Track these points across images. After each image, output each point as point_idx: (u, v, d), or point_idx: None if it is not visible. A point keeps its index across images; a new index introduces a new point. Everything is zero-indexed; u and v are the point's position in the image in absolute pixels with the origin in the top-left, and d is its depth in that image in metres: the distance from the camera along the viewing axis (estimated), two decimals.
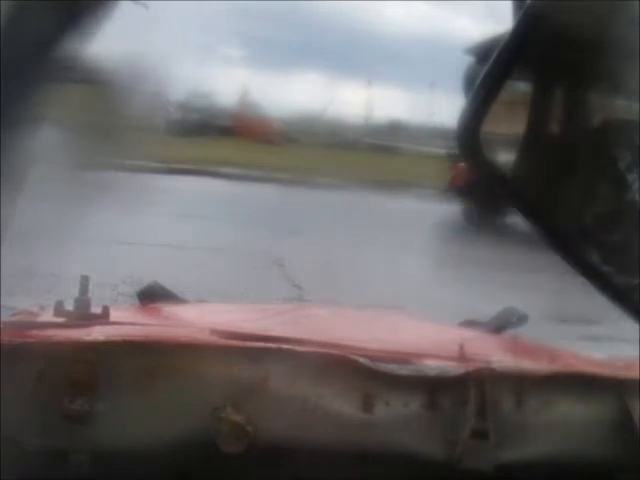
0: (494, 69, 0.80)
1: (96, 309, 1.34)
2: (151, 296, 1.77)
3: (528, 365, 1.28)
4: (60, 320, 1.31)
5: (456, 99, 0.88)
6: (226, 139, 18.90)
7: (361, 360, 1.20)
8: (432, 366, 1.25)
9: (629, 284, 0.83)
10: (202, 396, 1.17)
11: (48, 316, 1.36)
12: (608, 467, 1.24)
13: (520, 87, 0.87)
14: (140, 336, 1.24)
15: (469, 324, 1.80)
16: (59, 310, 1.32)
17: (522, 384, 1.22)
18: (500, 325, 1.75)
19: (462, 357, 1.29)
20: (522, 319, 1.79)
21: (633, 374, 1.24)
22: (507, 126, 0.89)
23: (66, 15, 0.75)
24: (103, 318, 1.33)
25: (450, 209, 12.25)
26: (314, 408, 1.19)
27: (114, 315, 1.34)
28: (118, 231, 7.50)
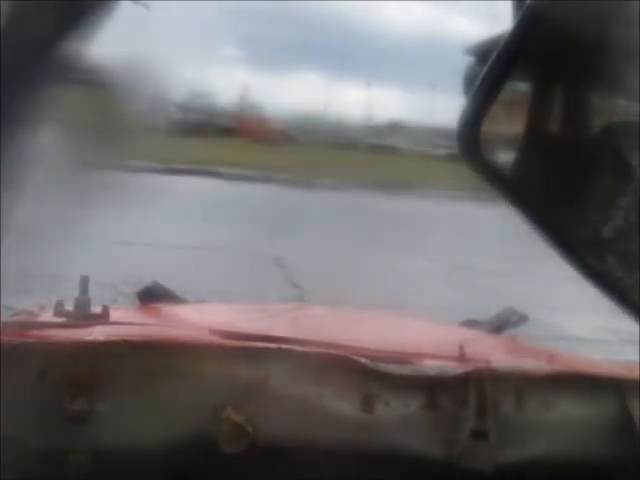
0: (494, 69, 0.80)
1: (96, 309, 1.34)
2: (151, 296, 1.77)
3: (528, 365, 1.28)
4: (60, 320, 1.31)
5: (456, 99, 0.87)
6: (226, 139, 18.90)
7: (361, 360, 1.20)
8: (432, 366, 1.25)
9: (629, 283, 0.82)
10: (202, 396, 1.17)
11: (48, 316, 1.36)
12: (608, 467, 1.24)
13: (520, 87, 0.87)
14: (140, 336, 1.24)
15: (469, 324, 1.80)
16: (59, 310, 1.32)
17: (522, 384, 1.22)
18: (500, 325, 1.76)
19: (462, 357, 1.29)
20: (522, 319, 1.79)
21: (633, 374, 1.24)
22: (507, 126, 0.89)
23: (66, 15, 0.75)
24: (103, 318, 1.33)
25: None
26: (314, 408, 1.19)
27: (114, 315, 1.34)
28: (118, 231, 7.50)
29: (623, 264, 0.83)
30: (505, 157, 0.87)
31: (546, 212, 0.83)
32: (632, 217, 0.82)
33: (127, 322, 1.38)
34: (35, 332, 1.25)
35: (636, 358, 1.30)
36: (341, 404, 1.19)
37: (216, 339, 1.27)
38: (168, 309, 1.66)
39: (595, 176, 0.85)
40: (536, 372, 1.24)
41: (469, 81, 0.88)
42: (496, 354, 1.42)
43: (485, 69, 0.80)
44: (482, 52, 0.89)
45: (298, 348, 1.21)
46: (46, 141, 0.84)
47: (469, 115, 0.82)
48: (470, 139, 0.82)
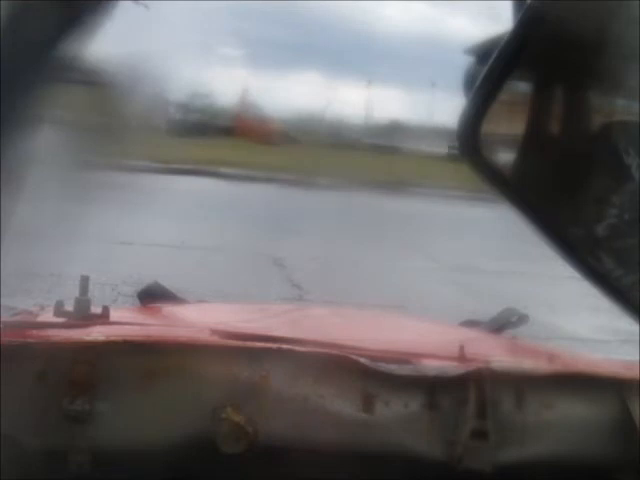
0: (494, 69, 0.80)
1: (96, 309, 1.34)
2: (151, 296, 1.77)
3: (528, 365, 1.28)
4: (60, 320, 1.31)
5: (456, 99, 0.87)
6: (226, 139, 18.89)
7: (361, 360, 1.20)
8: (432, 366, 1.25)
9: (628, 283, 0.83)
10: (202, 396, 1.17)
11: (48, 316, 1.36)
12: (608, 467, 1.24)
13: (520, 87, 0.87)
14: (140, 336, 1.24)
15: (469, 324, 1.80)
16: (59, 310, 1.32)
17: (522, 384, 1.22)
18: (500, 325, 1.76)
19: (462, 357, 1.29)
20: (522, 319, 1.79)
21: (633, 374, 1.24)
22: (507, 126, 0.89)
23: (66, 15, 0.75)
24: (103, 318, 1.33)
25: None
26: (314, 408, 1.19)
27: (114, 315, 1.34)
28: (118, 231, 7.50)
29: (621, 264, 0.83)
30: (505, 157, 0.87)
31: (546, 212, 0.83)
32: (627, 216, 0.82)
33: (127, 322, 1.38)
34: (35, 332, 1.25)
35: (636, 358, 1.30)
36: (341, 404, 1.19)
37: (216, 339, 1.27)
38: (168, 309, 1.66)
39: (595, 176, 0.85)
40: (536, 372, 1.24)
41: (469, 81, 0.88)
42: (496, 354, 1.42)
43: (485, 69, 0.80)
44: (482, 52, 0.89)
45: (298, 348, 1.21)
46: (46, 141, 0.84)
47: (469, 115, 0.82)
48: (470, 139, 0.82)
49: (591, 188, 0.84)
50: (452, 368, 1.23)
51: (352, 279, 6.64)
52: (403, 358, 1.25)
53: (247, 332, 1.30)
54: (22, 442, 1.14)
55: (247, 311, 1.74)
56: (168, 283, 1.86)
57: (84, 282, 1.35)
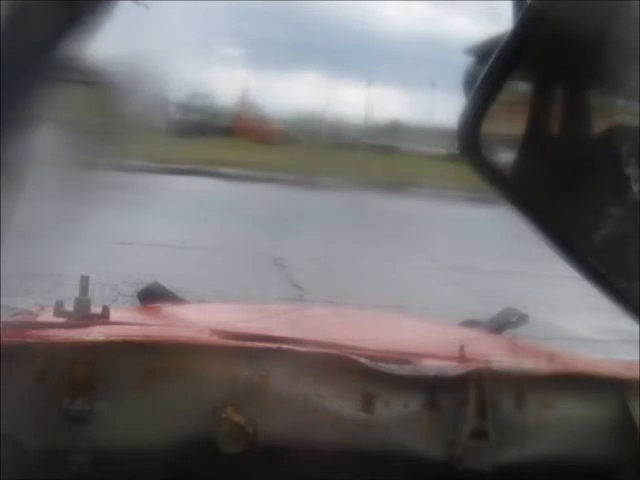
0: (494, 69, 0.80)
1: (96, 309, 1.34)
2: (151, 296, 1.77)
3: (528, 365, 1.28)
4: (60, 320, 1.31)
5: (456, 99, 0.88)
6: (226, 139, 18.88)
7: (361, 360, 1.20)
8: (432, 366, 1.25)
9: (629, 284, 0.83)
10: (202, 396, 1.17)
11: (48, 316, 1.36)
12: (608, 467, 1.24)
13: (520, 87, 0.87)
14: (140, 336, 1.24)
15: (469, 324, 1.80)
16: (59, 310, 1.32)
17: (522, 384, 1.22)
18: (500, 325, 1.76)
19: (462, 357, 1.29)
20: (522, 319, 1.79)
21: (633, 374, 1.24)
22: (507, 126, 0.89)
23: (66, 15, 0.75)
24: (103, 318, 1.33)
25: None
26: (314, 408, 1.19)
27: (114, 315, 1.34)
28: (118, 231, 7.50)
29: (623, 265, 0.83)
30: (505, 157, 0.87)
31: (546, 212, 0.83)
32: (633, 217, 0.82)
33: (127, 322, 1.38)
34: (35, 332, 1.25)
35: (636, 358, 1.30)
36: (341, 404, 1.19)
37: (216, 339, 1.27)
38: (168, 309, 1.66)
39: (595, 177, 0.85)
40: (536, 372, 1.24)
41: (469, 81, 0.88)
42: (496, 354, 1.42)
43: (485, 69, 0.80)
44: (482, 52, 0.89)
45: (298, 348, 1.21)
46: (46, 141, 0.84)
47: (469, 115, 0.82)
48: (470, 139, 0.82)
49: (591, 189, 0.84)
50: (452, 368, 1.23)
51: (352, 279, 6.64)
52: (403, 358, 1.25)
53: (247, 332, 1.30)
54: (22, 442, 1.14)
55: (247, 311, 1.75)
56: (168, 283, 1.86)
57: (84, 282, 1.35)
